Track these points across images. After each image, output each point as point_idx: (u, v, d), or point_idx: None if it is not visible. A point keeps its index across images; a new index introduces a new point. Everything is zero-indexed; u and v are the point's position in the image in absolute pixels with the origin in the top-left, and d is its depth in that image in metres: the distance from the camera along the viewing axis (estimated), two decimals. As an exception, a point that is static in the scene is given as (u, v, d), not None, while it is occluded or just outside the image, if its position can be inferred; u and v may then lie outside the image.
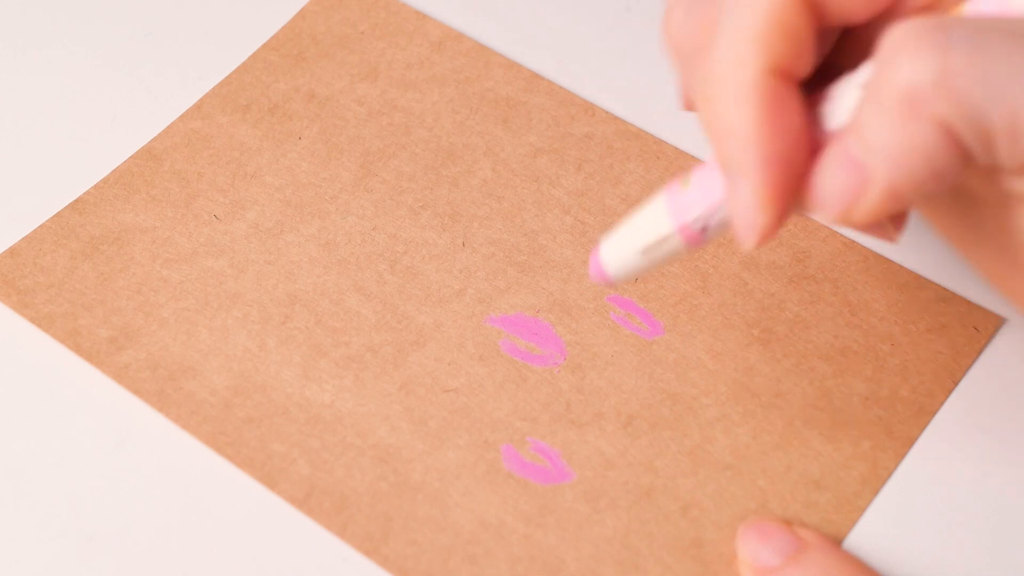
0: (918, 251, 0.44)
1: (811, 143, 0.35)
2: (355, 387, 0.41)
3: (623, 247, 0.37)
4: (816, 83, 0.36)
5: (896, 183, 0.34)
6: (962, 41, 0.32)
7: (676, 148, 0.46)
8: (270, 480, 0.40)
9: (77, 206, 0.45)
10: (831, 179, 0.34)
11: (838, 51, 0.38)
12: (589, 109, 0.47)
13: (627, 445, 0.40)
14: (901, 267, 0.44)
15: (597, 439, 0.41)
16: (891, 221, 0.38)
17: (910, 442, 0.41)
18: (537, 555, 0.39)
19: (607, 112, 0.47)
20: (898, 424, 0.41)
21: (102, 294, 0.43)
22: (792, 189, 0.34)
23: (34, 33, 0.49)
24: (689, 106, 0.38)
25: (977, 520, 0.39)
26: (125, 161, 0.46)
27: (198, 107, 0.47)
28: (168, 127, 0.47)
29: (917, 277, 0.44)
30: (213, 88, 0.48)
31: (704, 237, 0.36)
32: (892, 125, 0.33)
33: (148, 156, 0.46)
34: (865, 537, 0.39)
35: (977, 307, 0.43)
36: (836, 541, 0.39)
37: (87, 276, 0.43)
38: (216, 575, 0.38)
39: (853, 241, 0.44)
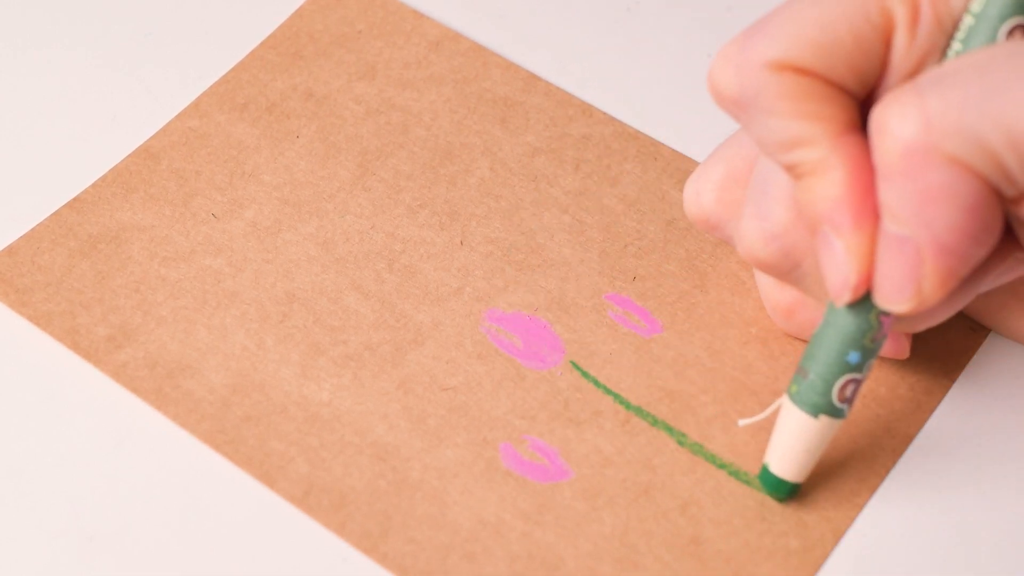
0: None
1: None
2: (353, 385, 0.41)
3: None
4: None
5: (943, 238, 0.34)
6: (930, 85, 0.34)
7: (673, 150, 0.46)
8: (268, 478, 0.40)
9: (75, 205, 0.45)
10: (887, 268, 0.35)
11: None
12: (587, 110, 0.47)
13: (625, 443, 0.40)
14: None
15: (595, 437, 0.41)
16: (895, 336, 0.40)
17: (908, 439, 0.41)
18: (536, 553, 0.39)
19: (604, 113, 0.47)
20: (896, 422, 0.41)
21: (100, 292, 0.43)
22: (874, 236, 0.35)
23: (34, 33, 0.49)
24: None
25: (976, 517, 0.39)
26: (123, 160, 0.46)
27: (196, 105, 0.47)
28: (166, 126, 0.47)
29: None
30: (211, 87, 0.48)
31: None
32: (907, 186, 0.34)
33: (146, 155, 0.46)
34: (863, 535, 0.39)
35: (975, 305, 0.43)
36: (834, 538, 0.39)
37: (85, 274, 0.43)
38: (215, 573, 0.38)
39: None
